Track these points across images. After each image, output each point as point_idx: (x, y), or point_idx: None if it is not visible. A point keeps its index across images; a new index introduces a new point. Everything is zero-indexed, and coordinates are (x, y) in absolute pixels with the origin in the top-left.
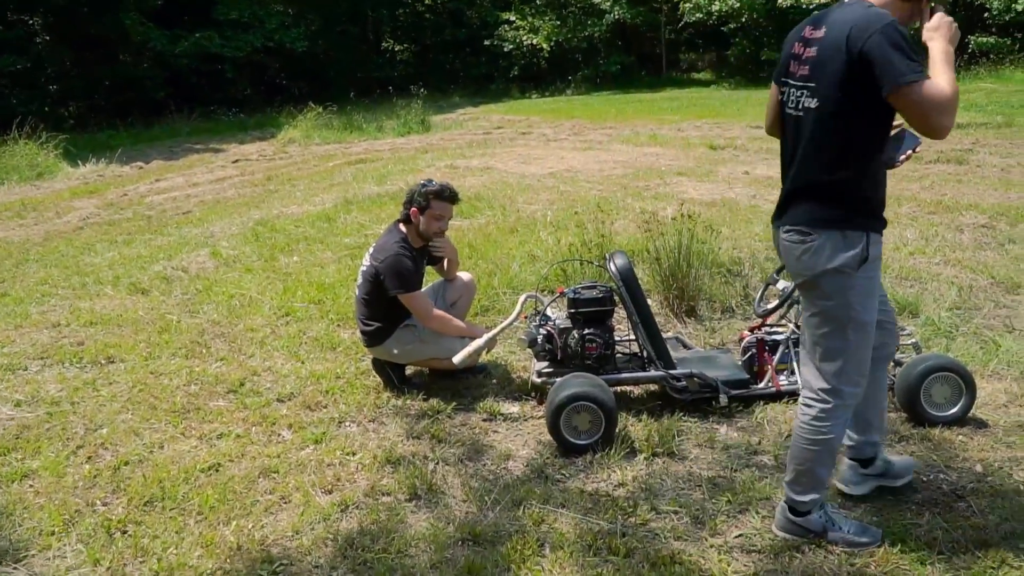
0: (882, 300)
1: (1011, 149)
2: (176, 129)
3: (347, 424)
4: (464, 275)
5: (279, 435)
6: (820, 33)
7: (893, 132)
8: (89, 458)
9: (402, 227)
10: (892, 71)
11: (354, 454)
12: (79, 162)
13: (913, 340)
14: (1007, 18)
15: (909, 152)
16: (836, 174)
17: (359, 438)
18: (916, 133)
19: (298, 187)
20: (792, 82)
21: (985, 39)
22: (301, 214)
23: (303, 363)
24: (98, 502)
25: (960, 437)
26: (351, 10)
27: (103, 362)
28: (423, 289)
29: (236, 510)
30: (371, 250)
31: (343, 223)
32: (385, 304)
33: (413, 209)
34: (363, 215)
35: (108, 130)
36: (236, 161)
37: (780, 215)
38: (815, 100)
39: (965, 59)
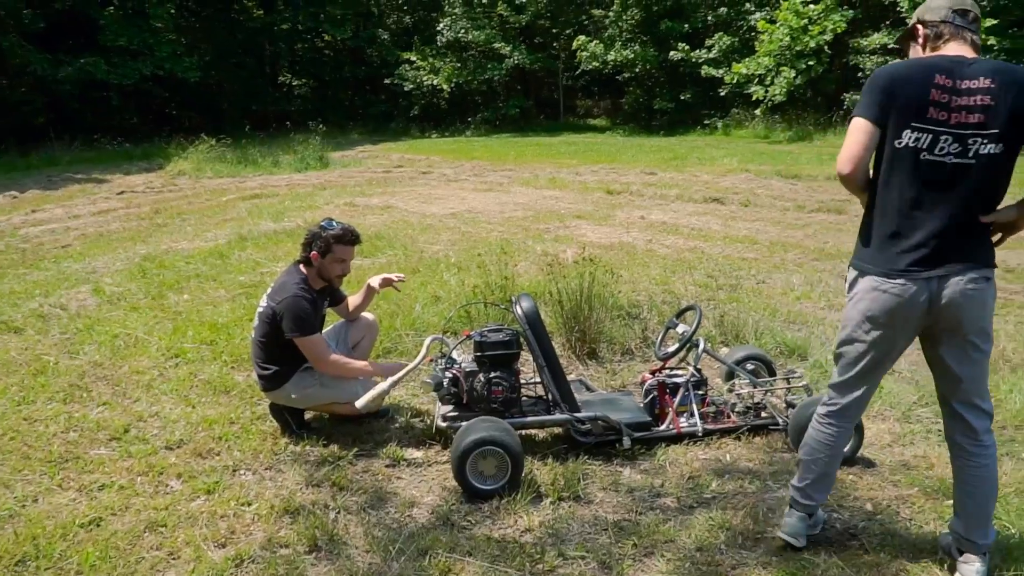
0: None
1: None
2: (56, 158)
3: (242, 472)
4: (367, 316)
5: (167, 485)
6: (987, 82)
7: None
8: None
9: (302, 268)
10: None
11: (249, 504)
12: None
13: (804, 382)
14: None
15: None
16: (987, 213)
17: (255, 487)
18: None
19: (189, 221)
20: (947, 129)
21: (858, 97)
22: (192, 250)
23: (194, 408)
24: None
25: (850, 477)
26: (247, 42)
27: None
28: (325, 330)
29: (119, 568)
30: (269, 291)
31: (237, 260)
32: (283, 347)
33: (314, 253)
34: (259, 252)
35: None
36: (121, 193)
37: (942, 262)
38: (998, 146)
39: (841, 115)
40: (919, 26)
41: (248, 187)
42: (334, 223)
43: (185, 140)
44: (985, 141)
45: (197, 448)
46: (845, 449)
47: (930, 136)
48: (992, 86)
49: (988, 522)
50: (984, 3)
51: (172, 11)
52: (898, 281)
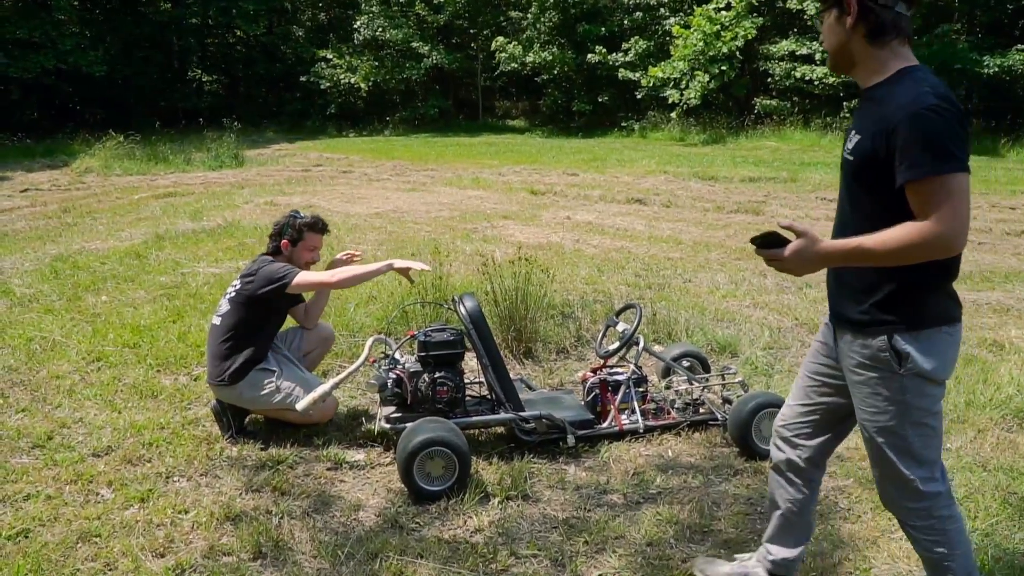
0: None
1: (798, 202)
2: None
3: (176, 479)
4: (325, 327)
5: (97, 494)
6: None
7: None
8: None
9: (270, 259)
10: None
11: (187, 512)
12: None
13: (740, 379)
14: (787, 84)
15: None
16: None
17: (191, 494)
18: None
19: (100, 220)
20: None
21: (768, 102)
22: (106, 250)
23: (120, 413)
24: None
25: None
26: (154, 36)
27: None
28: (281, 330)
29: None
30: (235, 281)
31: (156, 260)
32: (249, 337)
33: (284, 241)
34: (178, 252)
35: None
36: (25, 191)
37: (960, 309)
38: None
39: (752, 119)
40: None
41: (160, 185)
42: (303, 213)
43: (91, 136)
44: None
45: (126, 455)
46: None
47: None
48: None
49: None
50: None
51: (75, 3)
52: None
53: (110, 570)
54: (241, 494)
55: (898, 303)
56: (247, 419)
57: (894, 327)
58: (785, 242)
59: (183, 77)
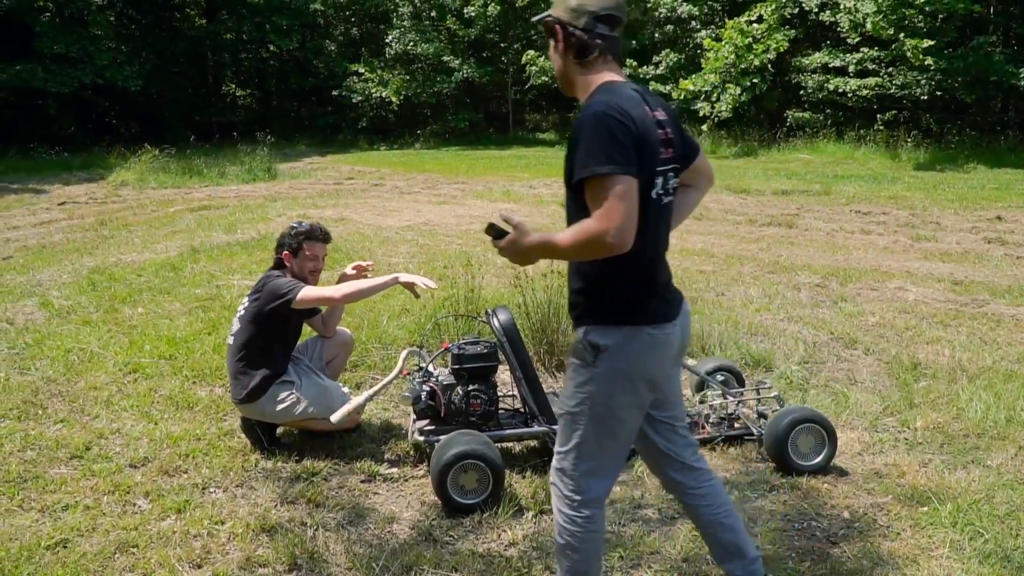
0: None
1: (832, 215)
2: None
3: (212, 490)
4: (343, 332)
5: (135, 505)
6: (663, 114)
7: None
8: None
9: (277, 272)
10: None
11: (223, 523)
12: None
13: (775, 393)
14: (820, 96)
15: None
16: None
17: (227, 505)
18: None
19: (136, 233)
20: (663, 168)
21: (801, 114)
22: (142, 262)
23: (156, 424)
24: None
25: (825, 485)
26: (189, 51)
27: None
28: (300, 343)
29: None
30: (244, 299)
31: (191, 273)
32: (263, 354)
33: (285, 253)
34: (213, 265)
35: None
36: (62, 203)
37: (672, 310)
38: (678, 179)
39: (784, 132)
40: (558, 27)
41: (195, 198)
42: (304, 223)
43: (127, 150)
44: (674, 176)
45: (163, 466)
46: (818, 459)
47: (660, 178)
48: (670, 121)
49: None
50: (921, 25)
51: (112, 18)
52: (671, 329)
53: None
54: (276, 506)
55: (591, 298)
56: (279, 431)
57: (589, 321)
58: (505, 233)
59: (217, 91)
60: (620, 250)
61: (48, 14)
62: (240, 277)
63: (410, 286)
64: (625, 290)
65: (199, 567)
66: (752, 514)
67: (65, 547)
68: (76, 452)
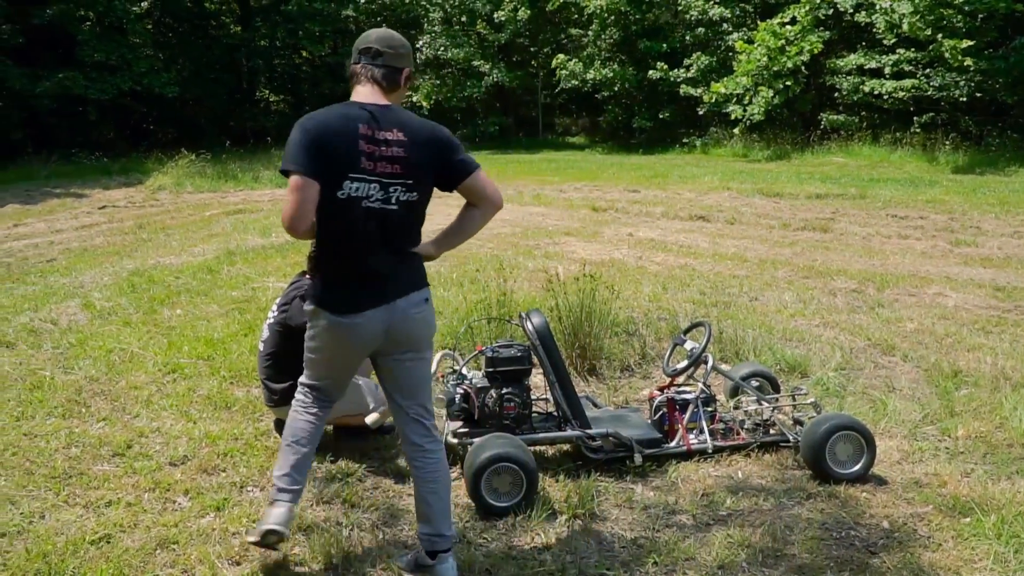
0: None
1: (868, 219)
2: (33, 172)
3: (250, 489)
4: None
5: (175, 502)
6: (397, 135)
7: None
8: None
9: (307, 278)
10: (471, 163)
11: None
12: None
13: (812, 399)
14: (855, 98)
15: None
16: (415, 247)
17: (264, 504)
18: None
19: (173, 236)
20: (370, 177)
21: (835, 117)
22: (180, 265)
23: (195, 423)
24: None
25: (864, 494)
26: (224, 58)
27: None
28: None
29: None
30: (275, 305)
31: (227, 275)
32: (293, 358)
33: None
34: (248, 267)
35: None
36: (103, 207)
37: (389, 294)
38: (414, 194)
39: (818, 135)
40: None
41: (231, 202)
42: None
43: (164, 155)
44: (403, 190)
45: (202, 464)
46: (857, 467)
47: (364, 184)
48: (404, 139)
49: (450, 513)
50: (960, 25)
51: (149, 26)
52: (356, 317)
53: None
54: (312, 505)
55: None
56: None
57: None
58: None
59: (251, 97)
60: (293, 234)
61: (88, 23)
62: (275, 279)
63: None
64: (319, 275)
65: (238, 564)
66: (788, 522)
67: (108, 542)
68: (118, 450)
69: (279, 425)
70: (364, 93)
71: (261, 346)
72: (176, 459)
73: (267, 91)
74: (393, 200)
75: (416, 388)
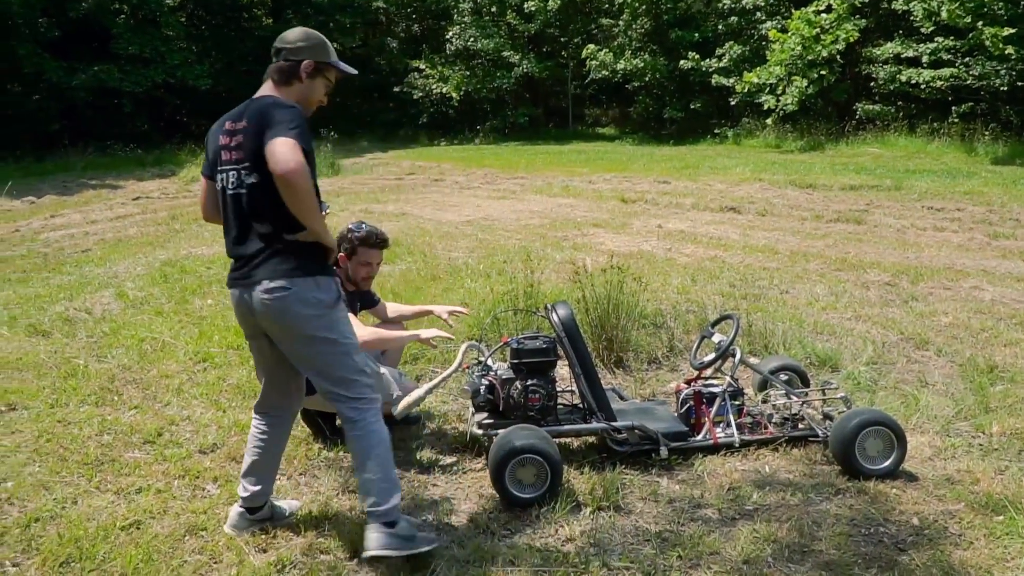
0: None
1: (903, 211)
2: (70, 164)
3: (277, 478)
4: (382, 312)
5: (204, 489)
6: (243, 124)
7: None
8: None
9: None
10: (277, 132)
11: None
12: None
13: (842, 394)
14: (891, 88)
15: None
16: (294, 234)
17: (291, 493)
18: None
19: (205, 227)
20: (225, 168)
21: (871, 107)
22: (211, 255)
23: (224, 412)
24: (7, 562)
25: (894, 490)
26: (257, 50)
27: (3, 409)
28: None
29: (163, 571)
30: None
31: None
32: None
33: (341, 254)
34: None
35: None
36: (137, 199)
37: (233, 279)
38: (255, 176)
39: (853, 125)
40: None
41: None
42: (363, 225)
43: (197, 147)
44: (246, 172)
45: (231, 452)
46: (887, 463)
47: (224, 174)
48: (246, 125)
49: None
50: (1001, 12)
51: (183, 19)
52: (233, 291)
53: (216, 563)
54: (338, 494)
55: None
56: (339, 420)
57: None
58: None
59: None
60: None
61: (123, 16)
62: None
63: (427, 341)
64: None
65: (264, 551)
66: (816, 517)
67: (138, 528)
68: (149, 437)
69: (307, 415)
70: (267, 88)
71: None
72: (205, 447)
73: None
74: (245, 185)
75: (304, 369)
